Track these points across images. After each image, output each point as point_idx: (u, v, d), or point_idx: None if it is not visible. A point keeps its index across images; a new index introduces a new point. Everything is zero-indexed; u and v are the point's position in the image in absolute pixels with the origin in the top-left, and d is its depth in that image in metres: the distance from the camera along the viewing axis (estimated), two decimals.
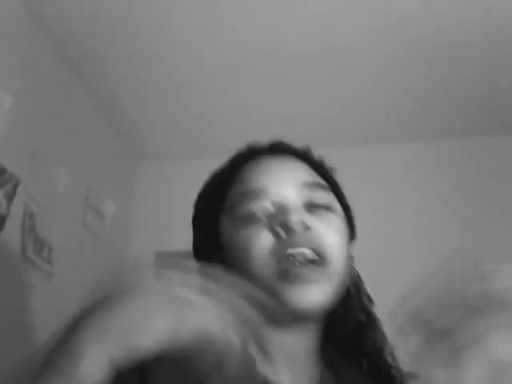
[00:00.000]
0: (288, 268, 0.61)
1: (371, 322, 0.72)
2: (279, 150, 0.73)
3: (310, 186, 0.67)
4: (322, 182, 0.70)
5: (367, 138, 2.27)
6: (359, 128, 2.22)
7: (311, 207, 0.66)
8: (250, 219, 0.64)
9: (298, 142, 0.76)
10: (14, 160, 1.50)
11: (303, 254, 0.61)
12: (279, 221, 0.62)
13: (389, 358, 0.70)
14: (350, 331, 0.72)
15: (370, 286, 0.74)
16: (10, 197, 1.46)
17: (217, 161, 0.77)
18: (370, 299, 0.74)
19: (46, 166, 1.70)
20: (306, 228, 0.62)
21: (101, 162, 2.13)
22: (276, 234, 0.62)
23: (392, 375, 0.70)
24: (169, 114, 2.17)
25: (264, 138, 0.77)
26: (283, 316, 0.59)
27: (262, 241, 0.62)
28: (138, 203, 2.43)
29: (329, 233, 0.64)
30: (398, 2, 1.59)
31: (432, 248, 2.13)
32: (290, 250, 0.61)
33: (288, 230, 0.61)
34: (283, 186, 0.66)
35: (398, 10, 1.62)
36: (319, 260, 0.62)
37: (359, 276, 0.74)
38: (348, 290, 0.70)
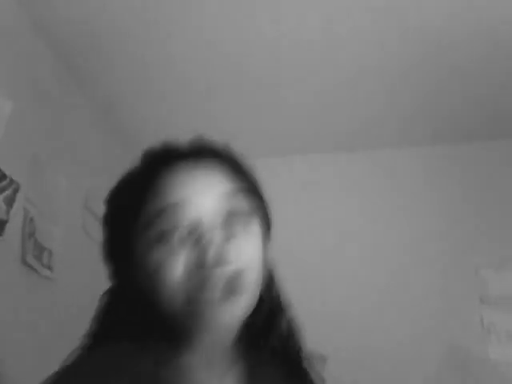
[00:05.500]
0: (199, 310, 0.58)
1: (281, 310, 0.71)
2: (199, 153, 0.68)
3: (232, 194, 0.63)
4: (243, 184, 0.66)
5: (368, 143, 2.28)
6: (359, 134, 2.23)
7: (233, 217, 0.62)
8: (164, 241, 0.59)
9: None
10: (14, 165, 1.51)
11: (214, 293, 0.57)
12: (196, 250, 0.58)
13: (298, 342, 0.71)
14: (262, 319, 0.70)
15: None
16: (10, 202, 1.46)
17: None
18: (279, 290, 0.72)
19: (45, 171, 1.70)
20: (224, 262, 0.58)
21: (100, 166, 2.13)
22: (189, 267, 0.58)
23: (300, 357, 0.71)
24: (169, 118, 2.17)
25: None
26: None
27: (174, 274, 0.58)
28: None
29: (248, 246, 0.61)
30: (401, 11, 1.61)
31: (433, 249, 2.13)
32: (202, 292, 0.57)
33: (202, 265, 0.57)
34: (202, 200, 0.61)
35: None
36: (236, 290, 0.59)
37: (273, 269, 0.72)
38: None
